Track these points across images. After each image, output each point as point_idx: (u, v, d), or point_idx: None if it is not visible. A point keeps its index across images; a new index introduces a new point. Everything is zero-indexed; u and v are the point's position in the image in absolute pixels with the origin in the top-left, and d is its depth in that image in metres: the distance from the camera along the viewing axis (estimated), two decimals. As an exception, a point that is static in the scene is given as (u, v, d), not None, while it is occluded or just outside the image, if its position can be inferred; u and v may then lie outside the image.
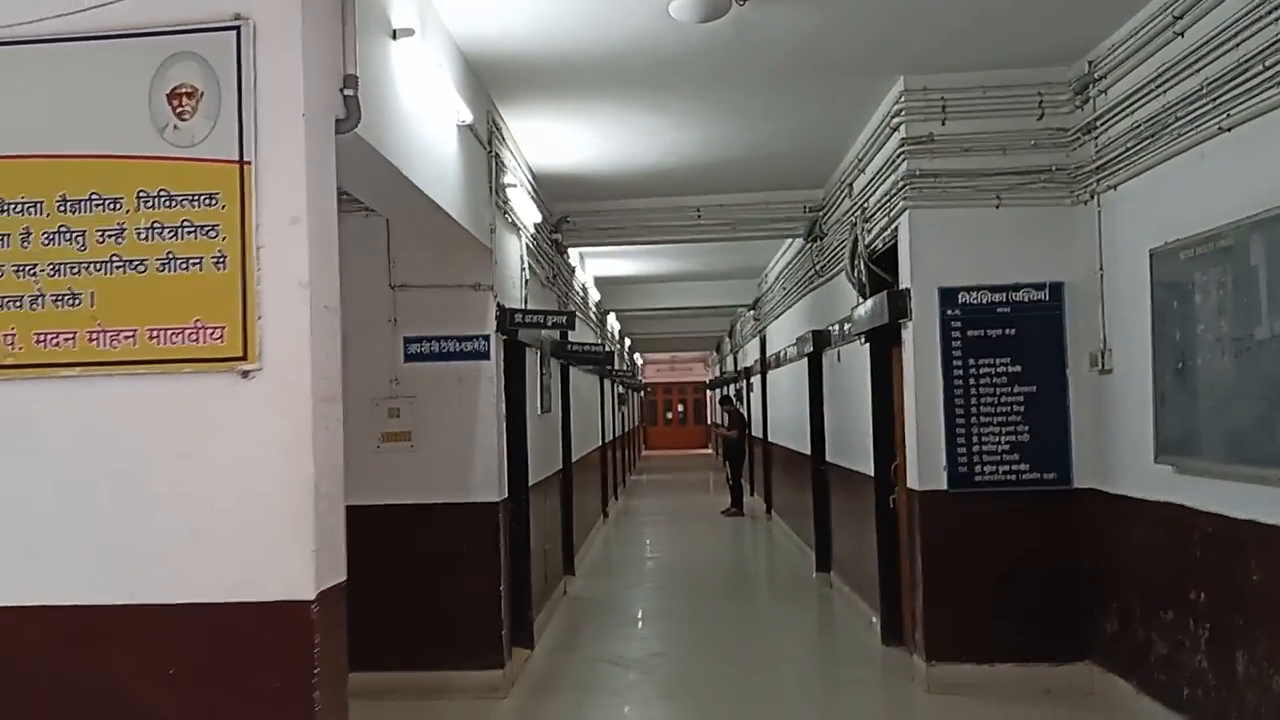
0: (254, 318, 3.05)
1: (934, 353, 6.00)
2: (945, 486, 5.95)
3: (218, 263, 3.07)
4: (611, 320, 17.53)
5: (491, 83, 6.06)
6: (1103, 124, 5.58)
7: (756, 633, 8.24)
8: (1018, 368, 5.96)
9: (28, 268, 3.11)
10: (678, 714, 6.15)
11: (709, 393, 35.31)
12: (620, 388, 19.57)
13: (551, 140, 7.49)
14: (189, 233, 3.07)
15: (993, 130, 6.03)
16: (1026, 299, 5.97)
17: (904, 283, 6.20)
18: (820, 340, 9.33)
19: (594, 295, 13.96)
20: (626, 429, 23.83)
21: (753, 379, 17.52)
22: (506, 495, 6.50)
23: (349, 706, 3.29)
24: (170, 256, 3.08)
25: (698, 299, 17.72)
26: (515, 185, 6.87)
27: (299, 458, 3.07)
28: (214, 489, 3.08)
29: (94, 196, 3.10)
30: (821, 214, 9.12)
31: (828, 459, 9.58)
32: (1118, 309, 5.50)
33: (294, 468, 3.06)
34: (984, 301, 5.99)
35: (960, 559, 5.96)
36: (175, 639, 3.06)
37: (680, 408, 41.53)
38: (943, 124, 6.06)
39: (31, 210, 3.11)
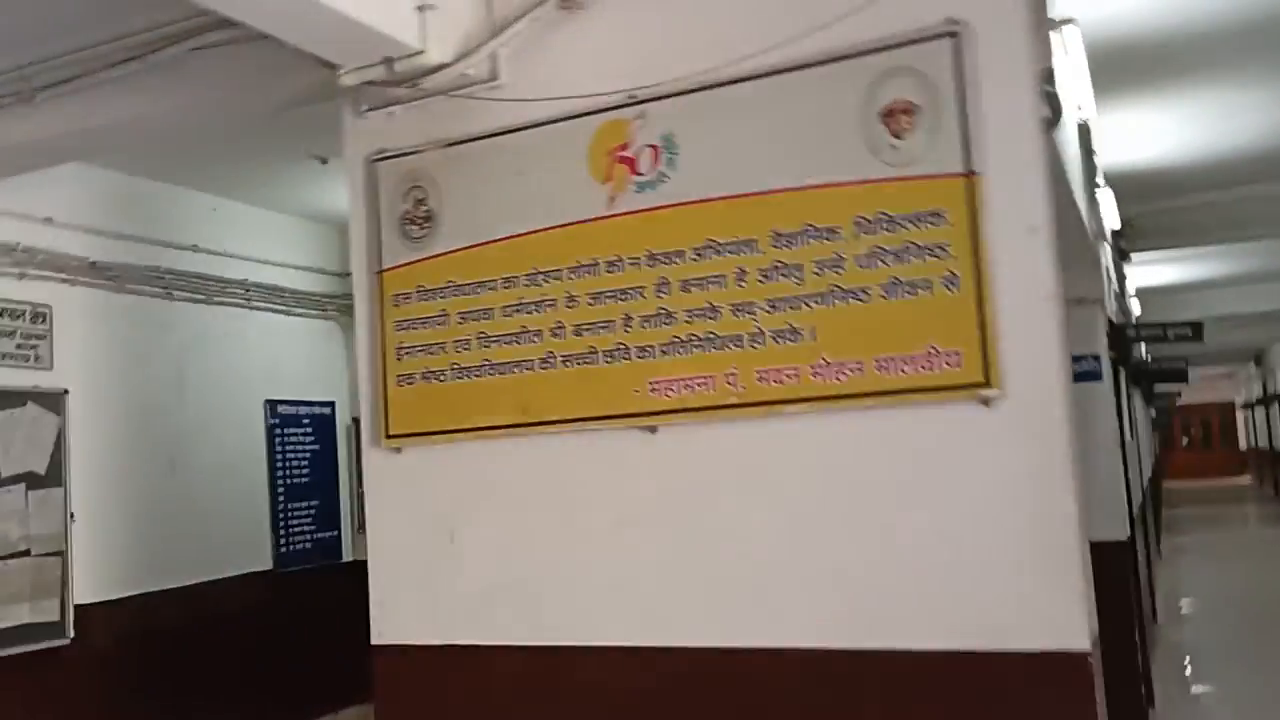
0: (995, 339, 2.78)
1: None
2: None
3: (948, 283, 2.84)
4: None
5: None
6: None
7: None
8: None
9: (744, 306, 3.09)
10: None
11: (1242, 412, 31.07)
12: (1154, 410, 17.70)
13: (1126, 135, 6.76)
14: (914, 255, 2.88)
15: None
16: None
17: None
18: None
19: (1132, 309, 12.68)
20: (1157, 454, 21.54)
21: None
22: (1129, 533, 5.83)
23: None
24: (894, 282, 2.90)
25: (1239, 304, 15.56)
26: (1104, 187, 6.24)
27: (1056, 491, 2.73)
28: (957, 527, 2.83)
29: (808, 229, 3.01)
30: None
31: None
32: None
33: (1051, 502, 2.73)
34: None
35: None
36: (927, 687, 2.83)
37: (1198, 430, 36.99)
38: None
39: (744, 250, 3.09)
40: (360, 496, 7.68)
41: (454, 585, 3.50)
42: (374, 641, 3.62)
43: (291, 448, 7.36)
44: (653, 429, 3.22)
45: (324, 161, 6.02)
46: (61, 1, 3.87)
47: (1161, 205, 8.39)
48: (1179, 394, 14.92)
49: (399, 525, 3.63)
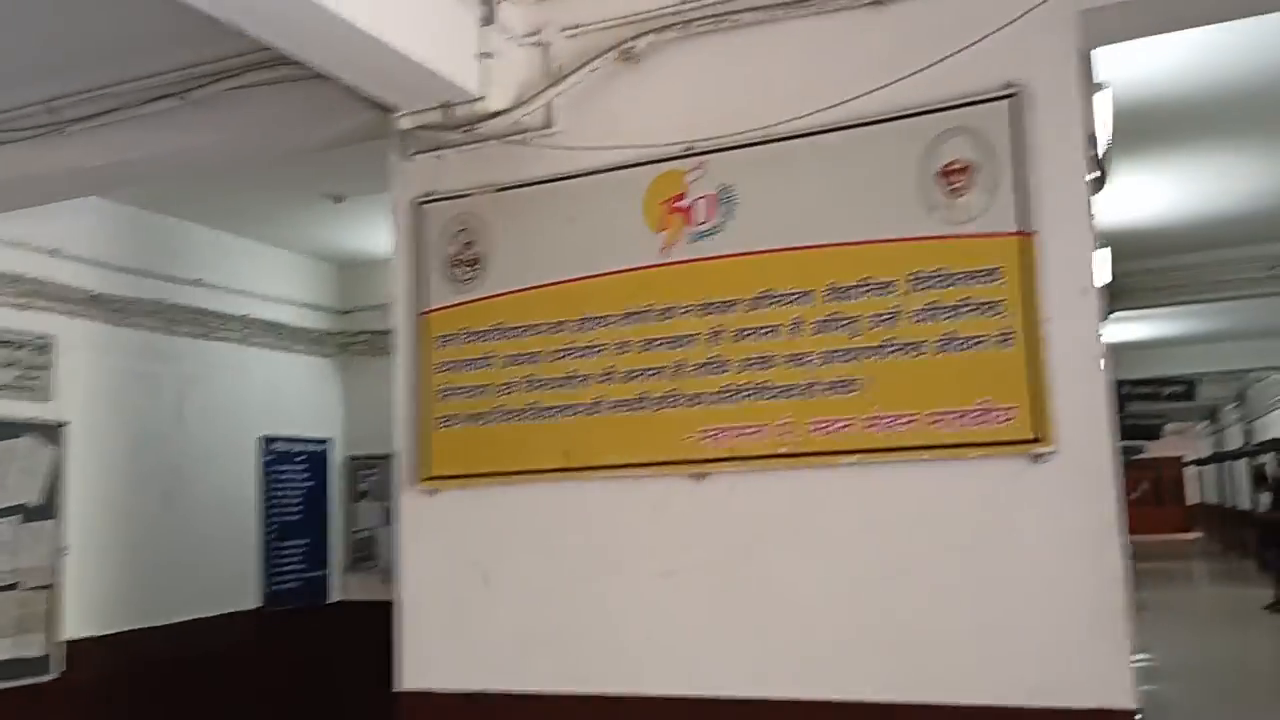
0: (1047, 396, 2.86)
1: None
2: None
3: (1002, 341, 2.92)
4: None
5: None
6: None
7: None
8: None
9: (799, 357, 3.15)
10: None
11: (1189, 469, 31.60)
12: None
13: (1119, 195, 6.96)
14: (968, 311, 2.96)
15: None
16: None
17: None
18: None
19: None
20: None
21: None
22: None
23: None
24: (949, 337, 2.98)
25: (1201, 364, 15.92)
26: (1102, 247, 6.40)
27: (1104, 549, 2.80)
28: (1005, 582, 2.88)
29: (864, 282, 3.08)
30: None
31: None
32: None
33: (1099, 560, 2.79)
34: None
35: None
36: (976, 743, 2.87)
37: (1149, 486, 37.46)
38: None
39: (800, 301, 3.15)
40: (351, 535, 7.65)
41: (487, 630, 3.48)
42: (398, 687, 3.57)
43: (284, 485, 7.27)
44: (701, 476, 3.24)
45: (338, 200, 6.02)
46: (98, 35, 3.88)
47: (1139, 265, 8.61)
48: (1141, 450, 15.16)
49: (431, 568, 3.60)
